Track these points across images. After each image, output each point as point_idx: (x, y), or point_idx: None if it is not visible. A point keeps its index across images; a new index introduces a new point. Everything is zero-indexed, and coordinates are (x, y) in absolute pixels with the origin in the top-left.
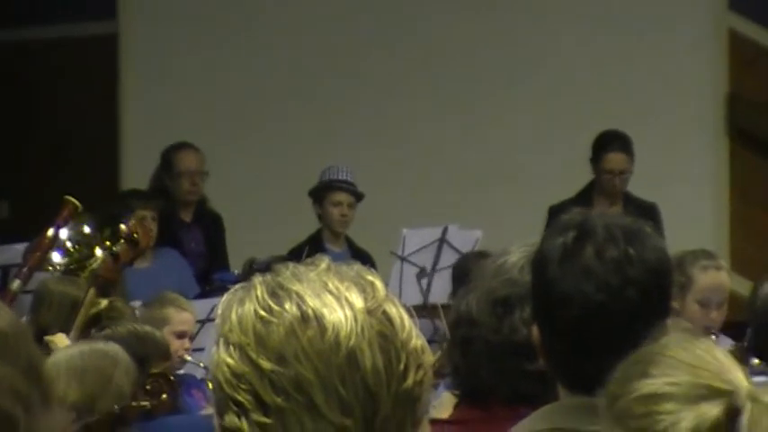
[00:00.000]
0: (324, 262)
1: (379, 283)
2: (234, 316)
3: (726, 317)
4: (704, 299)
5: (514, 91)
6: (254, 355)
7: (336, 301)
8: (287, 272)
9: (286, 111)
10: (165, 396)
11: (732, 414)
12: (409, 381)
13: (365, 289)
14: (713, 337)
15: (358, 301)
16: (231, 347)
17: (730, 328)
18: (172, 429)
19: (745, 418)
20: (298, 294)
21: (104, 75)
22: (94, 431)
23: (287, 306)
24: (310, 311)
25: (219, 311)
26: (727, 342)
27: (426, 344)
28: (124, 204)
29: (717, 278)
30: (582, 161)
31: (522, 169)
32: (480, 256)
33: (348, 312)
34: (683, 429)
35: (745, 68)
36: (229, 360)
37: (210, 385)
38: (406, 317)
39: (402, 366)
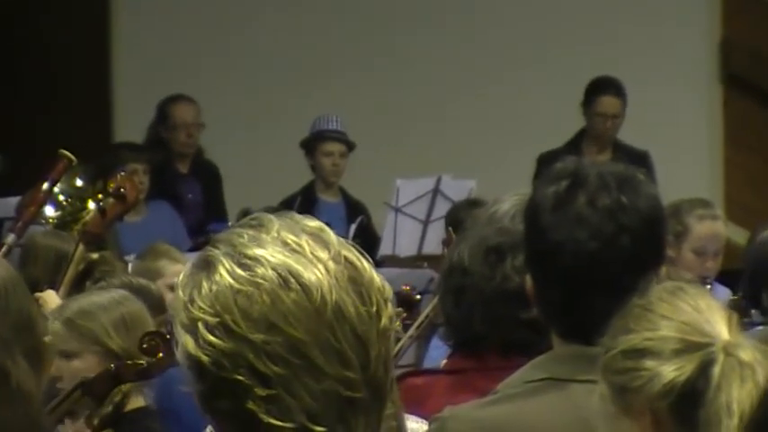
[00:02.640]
0: (266, 218)
1: (327, 228)
2: (204, 295)
3: (721, 265)
4: (700, 248)
5: (506, 40)
6: (242, 331)
7: (305, 258)
8: (242, 239)
9: (279, 61)
10: (161, 355)
11: (706, 367)
12: (384, 319)
13: (321, 238)
14: (708, 286)
15: (323, 253)
16: (213, 328)
17: (725, 277)
18: (176, 380)
19: (715, 372)
20: (265, 259)
21: (97, 26)
22: (91, 389)
23: (261, 272)
24: (286, 273)
25: (181, 294)
26: (723, 290)
27: (383, 279)
28: (116, 157)
29: (713, 227)
30: (574, 109)
31: (515, 117)
32: (472, 204)
33: (320, 266)
34: (659, 386)
35: (739, 14)
36: (215, 341)
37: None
38: (361, 257)
39: (375, 306)
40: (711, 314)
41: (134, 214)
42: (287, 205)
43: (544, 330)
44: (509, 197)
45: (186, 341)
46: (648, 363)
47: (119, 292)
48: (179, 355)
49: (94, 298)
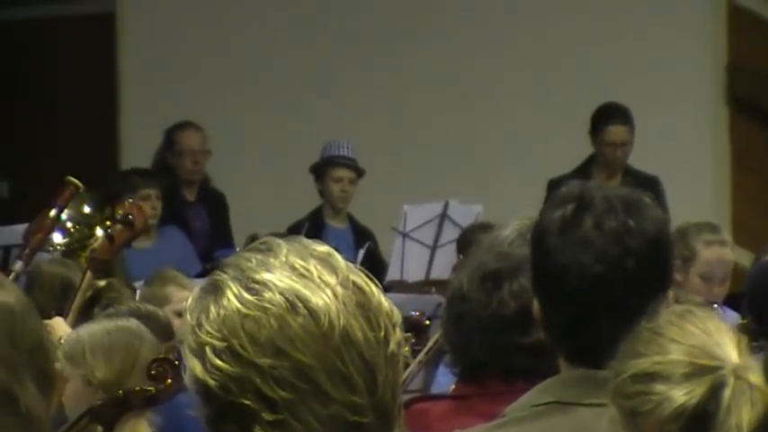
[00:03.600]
0: (274, 243)
1: (335, 253)
2: (212, 320)
3: (729, 289)
4: (707, 273)
5: (514, 65)
6: (249, 355)
7: (313, 283)
8: (250, 263)
9: (286, 86)
10: (169, 381)
11: (716, 391)
12: (392, 344)
13: (329, 263)
14: (716, 310)
15: (331, 278)
16: (220, 352)
17: (733, 300)
18: (185, 406)
19: (726, 395)
20: (273, 284)
21: (103, 53)
22: (98, 416)
23: (268, 297)
24: (294, 298)
25: (189, 318)
26: (732, 314)
27: (392, 304)
28: (127, 183)
29: (720, 253)
30: (582, 134)
31: (523, 143)
32: (482, 228)
33: (328, 291)
34: (669, 410)
35: (744, 37)
36: (223, 365)
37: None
38: (370, 282)
39: (383, 331)
40: (721, 337)
41: (144, 240)
42: (294, 231)
43: (544, 355)
44: (512, 222)
45: (194, 365)
46: (659, 387)
47: (115, 323)
48: (186, 379)
49: (93, 325)
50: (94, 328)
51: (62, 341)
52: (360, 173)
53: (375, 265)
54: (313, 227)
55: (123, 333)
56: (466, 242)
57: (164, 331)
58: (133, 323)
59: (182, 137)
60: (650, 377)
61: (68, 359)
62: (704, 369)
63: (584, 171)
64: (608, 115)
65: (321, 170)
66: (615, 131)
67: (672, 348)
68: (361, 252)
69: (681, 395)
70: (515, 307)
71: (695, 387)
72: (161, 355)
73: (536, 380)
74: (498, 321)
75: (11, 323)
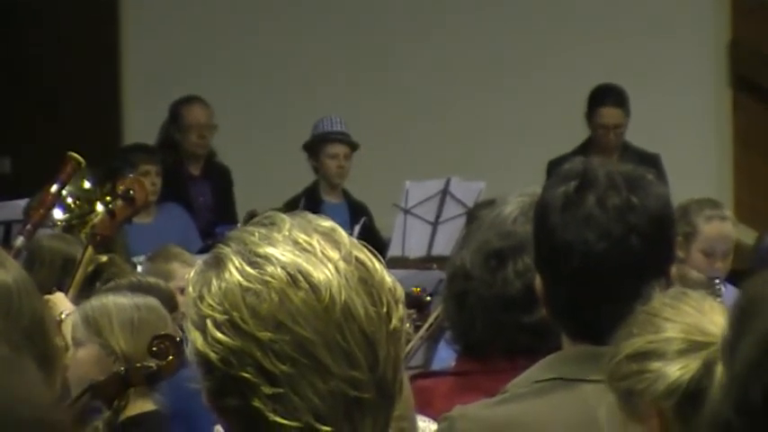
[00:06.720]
0: (278, 217)
1: (339, 229)
2: (214, 293)
3: (730, 265)
4: (709, 248)
5: (514, 40)
6: (249, 328)
7: (315, 257)
8: (253, 237)
9: (285, 62)
10: (171, 358)
11: (710, 366)
12: (394, 320)
13: (332, 238)
14: (718, 286)
15: (333, 253)
16: (221, 325)
17: (735, 277)
18: (188, 381)
19: (719, 370)
20: (275, 258)
21: (104, 27)
22: (100, 392)
23: (270, 271)
24: (296, 272)
25: (191, 290)
26: (733, 291)
27: (395, 280)
28: (127, 159)
29: (721, 228)
30: (581, 111)
31: (523, 118)
32: (491, 205)
33: (330, 266)
34: (663, 386)
35: (747, 17)
36: (223, 338)
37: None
38: (373, 258)
39: (385, 307)
40: (714, 315)
41: (145, 216)
42: (291, 206)
43: (548, 334)
44: (513, 198)
45: (195, 338)
46: (653, 364)
47: (146, 300)
48: (188, 351)
49: (119, 297)
50: (122, 302)
51: (63, 316)
52: (354, 147)
53: (370, 241)
54: (309, 202)
55: (151, 311)
56: (473, 219)
57: (166, 303)
58: (155, 301)
59: (187, 111)
60: (645, 356)
61: (90, 327)
62: (698, 345)
63: (583, 151)
64: (601, 97)
65: (315, 147)
66: (608, 113)
67: (666, 327)
68: (357, 228)
69: (675, 371)
70: (520, 286)
71: (689, 363)
72: (162, 332)
73: (539, 358)
74: (502, 300)
75: (7, 302)
